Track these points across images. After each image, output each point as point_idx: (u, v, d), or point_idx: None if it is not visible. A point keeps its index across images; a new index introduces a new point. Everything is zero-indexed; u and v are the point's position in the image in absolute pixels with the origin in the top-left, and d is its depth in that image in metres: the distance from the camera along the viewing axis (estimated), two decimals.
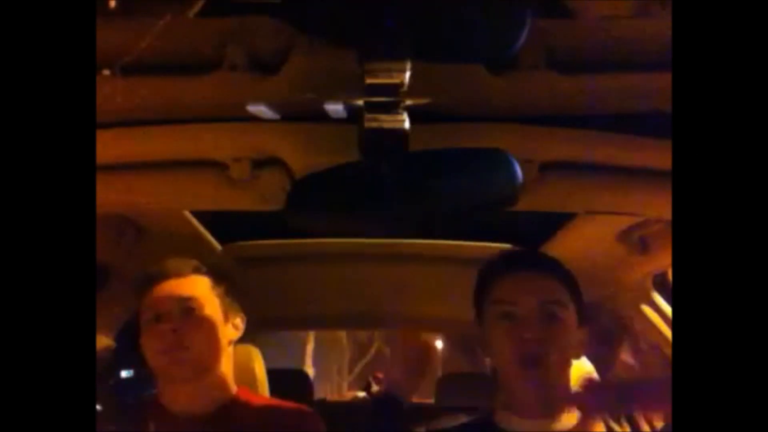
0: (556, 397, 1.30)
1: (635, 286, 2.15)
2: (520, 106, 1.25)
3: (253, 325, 1.66)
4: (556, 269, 1.36)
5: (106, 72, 1.05)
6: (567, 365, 1.31)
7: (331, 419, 1.65)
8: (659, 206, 1.40)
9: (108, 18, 1.02)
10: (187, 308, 1.47)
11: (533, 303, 1.28)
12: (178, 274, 1.51)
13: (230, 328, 1.54)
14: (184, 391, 1.51)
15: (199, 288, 1.51)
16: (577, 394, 1.34)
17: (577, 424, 1.31)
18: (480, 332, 1.36)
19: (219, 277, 1.55)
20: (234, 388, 1.57)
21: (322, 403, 3.52)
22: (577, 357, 1.36)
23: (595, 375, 1.74)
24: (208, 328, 1.48)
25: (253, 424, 1.52)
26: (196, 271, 1.53)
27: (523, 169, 1.18)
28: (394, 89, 1.07)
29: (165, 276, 1.51)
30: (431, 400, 3.02)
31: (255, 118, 1.25)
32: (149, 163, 1.39)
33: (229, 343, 1.54)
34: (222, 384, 1.54)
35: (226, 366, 1.54)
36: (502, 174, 1.18)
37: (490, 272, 1.36)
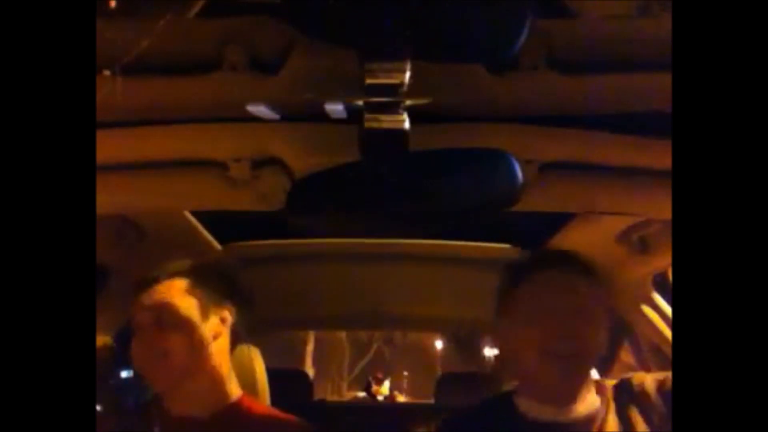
0: (578, 386, 1.34)
1: (635, 286, 2.15)
2: (520, 106, 1.25)
3: (253, 325, 1.66)
4: (584, 268, 1.40)
5: (106, 72, 1.05)
6: (590, 357, 1.34)
7: (331, 419, 1.65)
8: (659, 206, 1.40)
9: (108, 18, 1.02)
10: (158, 318, 1.47)
11: (559, 299, 1.33)
12: (156, 280, 1.51)
13: (213, 323, 1.51)
14: (180, 394, 1.50)
15: (171, 293, 1.50)
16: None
17: (598, 409, 1.35)
18: (498, 325, 1.40)
19: (199, 276, 1.54)
20: (236, 393, 1.56)
21: (322, 403, 3.51)
22: (602, 350, 1.38)
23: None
24: (182, 331, 1.47)
25: None
26: (175, 274, 1.52)
27: (523, 169, 1.18)
28: (394, 89, 1.06)
29: (147, 282, 1.51)
30: (431, 401, 3.02)
31: (255, 118, 1.25)
32: (149, 163, 1.38)
33: (214, 337, 1.51)
34: (218, 382, 1.52)
35: (219, 362, 1.52)
36: (502, 174, 1.18)
37: (519, 270, 1.40)
